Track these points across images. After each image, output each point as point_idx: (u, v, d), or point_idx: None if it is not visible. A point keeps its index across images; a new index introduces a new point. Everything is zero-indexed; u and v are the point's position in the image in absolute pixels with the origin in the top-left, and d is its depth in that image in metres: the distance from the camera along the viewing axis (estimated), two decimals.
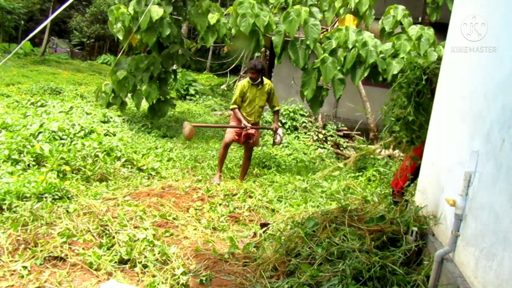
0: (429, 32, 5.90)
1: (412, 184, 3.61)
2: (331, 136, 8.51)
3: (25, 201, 3.54)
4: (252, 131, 5.36)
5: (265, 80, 5.49)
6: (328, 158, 7.26)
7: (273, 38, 5.93)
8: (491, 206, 1.91)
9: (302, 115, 9.20)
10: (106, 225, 3.28)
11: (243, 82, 5.47)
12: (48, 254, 2.82)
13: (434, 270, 2.34)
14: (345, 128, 9.27)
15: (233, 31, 6.36)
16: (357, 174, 5.91)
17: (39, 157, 4.76)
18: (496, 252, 1.82)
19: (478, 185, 2.08)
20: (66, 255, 2.85)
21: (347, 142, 8.77)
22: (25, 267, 2.66)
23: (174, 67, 8.58)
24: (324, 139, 8.39)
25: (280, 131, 5.49)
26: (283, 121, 8.98)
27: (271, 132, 8.69)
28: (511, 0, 2.04)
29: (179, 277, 2.71)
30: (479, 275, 1.94)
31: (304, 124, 8.89)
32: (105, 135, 6.35)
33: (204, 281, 2.76)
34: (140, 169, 5.24)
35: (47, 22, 4.35)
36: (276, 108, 5.58)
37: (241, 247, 3.36)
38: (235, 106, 5.45)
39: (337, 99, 6.26)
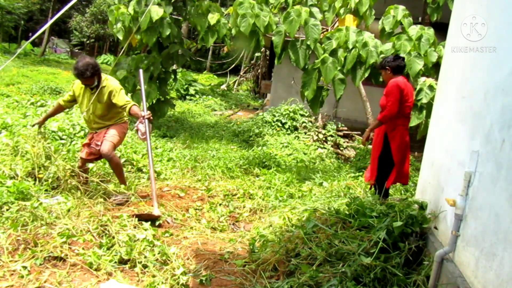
0: (429, 32, 5.90)
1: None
2: (331, 136, 8.50)
3: (25, 201, 3.54)
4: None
5: (106, 81, 4.03)
6: (328, 158, 7.25)
7: (273, 38, 5.93)
8: (491, 206, 1.91)
9: (302, 115, 9.19)
10: (106, 225, 3.28)
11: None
12: (48, 254, 2.81)
13: (434, 270, 2.34)
14: (345, 128, 9.26)
15: (233, 31, 6.36)
16: (357, 174, 5.90)
17: None
18: (496, 252, 1.82)
19: (478, 185, 2.08)
20: (66, 255, 2.85)
21: (347, 142, 8.76)
22: (25, 267, 2.66)
23: (174, 67, 8.59)
24: (324, 139, 8.38)
25: (141, 126, 3.97)
26: (283, 121, 8.95)
27: (270, 132, 8.73)
28: (511, 0, 2.04)
29: (179, 277, 2.71)
30: (479, 275, 1.94)
31: (304, 124, 8.88)
32: None
33: (204, 281, 2.76)
34: (140, 170, 5.24)
35: (51, 22, 4.34)
36: (129, 106, 3.98)
37: (241, 247, 3.36)
38: (60, 101, 4.27)
39: (338, 99, 6.25)
